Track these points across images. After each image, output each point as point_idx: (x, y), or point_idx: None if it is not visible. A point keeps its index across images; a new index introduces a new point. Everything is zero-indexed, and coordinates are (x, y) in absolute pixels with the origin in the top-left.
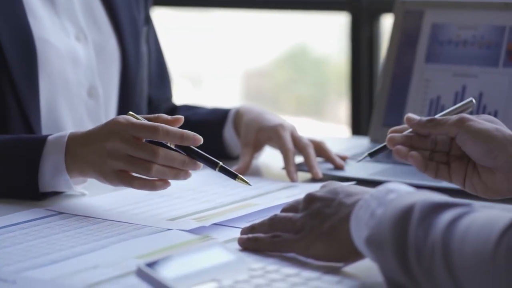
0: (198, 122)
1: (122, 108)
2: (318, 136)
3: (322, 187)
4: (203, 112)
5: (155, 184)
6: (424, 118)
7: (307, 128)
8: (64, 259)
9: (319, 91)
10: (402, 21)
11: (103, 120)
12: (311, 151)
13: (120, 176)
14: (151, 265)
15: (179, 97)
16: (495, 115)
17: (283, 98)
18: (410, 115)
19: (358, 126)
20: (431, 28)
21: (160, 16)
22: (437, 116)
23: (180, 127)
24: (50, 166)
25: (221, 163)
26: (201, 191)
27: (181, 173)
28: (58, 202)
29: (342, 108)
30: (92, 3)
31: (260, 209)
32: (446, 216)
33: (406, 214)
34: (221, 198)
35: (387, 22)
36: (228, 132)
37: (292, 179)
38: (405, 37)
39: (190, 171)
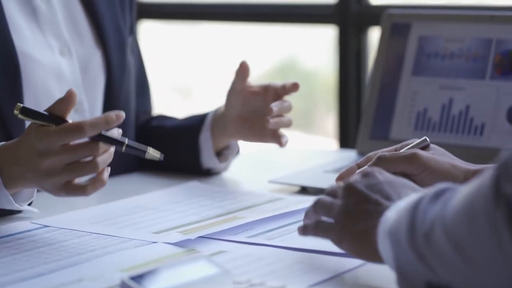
0: (174, 128)
1: None
2: (305, 148)
3: (364, 176)
4: (179, 119)
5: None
6: (375, 157)
7: (296, 142)
8: (48, 273)
9: (308, 104)
10: (389, 34)
11: None
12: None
13: (67, 189)
14: (135, 278)
15: (168, 110)
16: (482, 127)
17: None
18: (359, 171)
19: (346, 139)
20: (418, 40)
21: (149, 29)
22: (385, 153)
23: (153, 136)
24: None
25: (127, 140)
26: (187, 204)
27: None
28: (42, 215)
29: (331, 122)
30: (76, 15)
31: (246, 222)
32: (448, 192)
33: (420, 198)
34: (208, 211)
35: (374, 35)
36: (205, 135)
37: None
38: (392, 50)
39: None
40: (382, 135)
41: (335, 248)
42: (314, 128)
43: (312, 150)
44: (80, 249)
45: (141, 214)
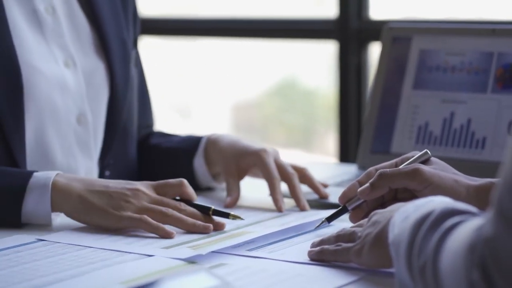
0: (169, 150)
1: (109, 132)
2: (306, 162)
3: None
4: (176, 139)
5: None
6: (376, 174)
7: (297, 160)
8: (46, 285)
9: (309, 123)
10: (390, 48)
11: (92, 147)
12: (296, 182)
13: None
14: None
15: (167, 129)
16: (484, 141)
17: (272, 130)
18: (360, 189)
19: (346, 154)
20: (419, 54)
21: (148, 45)
22: (386, 169)
23: (151, 155)
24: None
25: (213, 207)
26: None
27: (196, 226)
28: (42, 229)
29: (331, 140)
30: (80, 27)
31: (257, 236)
32: (448, 223)
33: (424, 218)
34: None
35: (375, 50)
36: (198, 161)
37: (280, 209)
38: (393, 64)
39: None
40: (382, 149)
41: None
42: (314, 147)
43: (312, 164)
44: (78, 262)
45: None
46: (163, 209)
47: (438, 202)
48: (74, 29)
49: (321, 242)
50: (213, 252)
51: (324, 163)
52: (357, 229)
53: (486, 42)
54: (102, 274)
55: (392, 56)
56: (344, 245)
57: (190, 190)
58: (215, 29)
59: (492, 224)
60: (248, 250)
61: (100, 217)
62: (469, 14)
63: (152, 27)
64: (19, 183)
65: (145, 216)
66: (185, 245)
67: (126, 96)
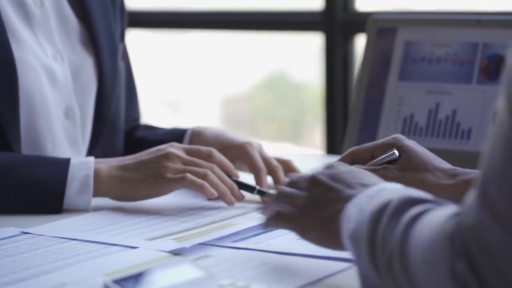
0: (155, 142)
1: (97, 126)
2: (292, 154)
3: (327, 167)
4: (161, 132)
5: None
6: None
7: (285, 153)
8: (31, 277)
9: (297, 116)
10: (375, 39)
11: (80, 141)
12: (281, 174)
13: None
14: (118, 281)
15: (157, 123)
16: (469, 132)
17: (262, 124)
18: None
19: (333, 146)
20: (404, 45)
21: (137, 38)
22: (359, 167)
23: (137, 148)
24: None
25: (257, 187)
26: (178, 211)
27: (227, 195)
28: (28, 222)
29: (319, 133)
30: (69, 21)
31: (243, 228)
32: (412, 212)
33: (382, 209)
34: (200, 218)
35: (361, 42)
36: None
37: (265, 201)
38: (378, 55)
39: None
40: (368, 140)
41: (319, 252)
42: (302, 140)
43: (299, 156)
44: (63, 254)
45: (133, 221)
46: (200, 170)
47: (391, 190)
48: (62, 23)
49: (265, 208)
50: (198, 244)
51: (310, 155)
52: (295, 193)
53: (471, 33)
54: (87, 266)
55: (377, 47)
56: (286, 213)
57: (220, 159)
58: (203, 21)
59: (475, 212)
60: (233, 241)
61: (145, 189)
62: (454, 5)
63: (141, 20)
64: (59, 173)
65: (188, 174)
66: (169, 237)
67: (114, 90)
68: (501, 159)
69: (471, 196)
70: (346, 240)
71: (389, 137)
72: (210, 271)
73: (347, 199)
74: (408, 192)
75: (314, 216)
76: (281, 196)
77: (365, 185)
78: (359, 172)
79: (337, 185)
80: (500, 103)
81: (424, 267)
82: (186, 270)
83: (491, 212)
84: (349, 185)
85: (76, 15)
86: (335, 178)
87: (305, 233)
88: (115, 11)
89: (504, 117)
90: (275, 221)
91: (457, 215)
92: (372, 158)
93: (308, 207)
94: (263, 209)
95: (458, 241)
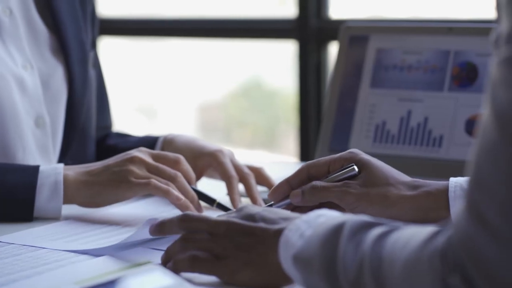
0: (127, 150)
1: (68, 134)
2: (265, 161)
3: (238, 211)
4: (133, 140)
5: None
6: (308, 187)
7: (259, 161)
8: (0, 286)
9: (272, 123)
10: (347, 47)
11: (51, 149)
12: (253, 181)
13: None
14: None
15: (133, 131)
16: (441, 139)
17: (237, 131)
18: (293, 193)
19: (307, 153)
20: (376, 53)
21: (111, 46)
22: (319, 183)
23: (108, 156)
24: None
25: (217, 199)
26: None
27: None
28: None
29: (294, 140)
30: (38, 29)
31: None
32: (375, 232)
33: (336, 231)
34: None
35: (334, 49)
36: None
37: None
38: (350, 62)
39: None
40: (341, 147)
41: None
42: (278, 148)
43: (272, 164)
44: (33, 262)
45: (102, 230)
46: (162, 180)
47: (331, 216)
48: (31, 32)
49: (168, 253)
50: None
51: (283, 163)
52: (211, 239)
53: (443, 40)
54: (57, 275)
55: (350, 55)
56: (204, 257)
57: (186, 167)
58: (178, 29)
59: (465, 224)
60: None
61: (109, 193)
62: (426, 13)
63: (117, 27)
64: (29, 179)
65: (153, 180)
66: (140, 245)
67: (85, 98)
68: (488, 170)
69: (460, 209)
70: (287, 264)
71: (346, 152)
72: (180, 278)
73: (276, 234)
74: (357, 216)
75: (245, 257)
76: (191, 242)
77: (287, 219)
78: (274, 209)
79: (258, 224)
80: (485, 113)
81: (408, 286)
82: (156, 278)
83: (480, 222)
84: (272, 221)
85: (46, 23)
86: (251, 218)
87: (235, 276)
88: (85, 19)
89: (489, 128)
90: (190, 265)
91: (444, 231)
92: (329, 172)
93: (234, 252)
94: (168, 254)
95: (450, 256)
